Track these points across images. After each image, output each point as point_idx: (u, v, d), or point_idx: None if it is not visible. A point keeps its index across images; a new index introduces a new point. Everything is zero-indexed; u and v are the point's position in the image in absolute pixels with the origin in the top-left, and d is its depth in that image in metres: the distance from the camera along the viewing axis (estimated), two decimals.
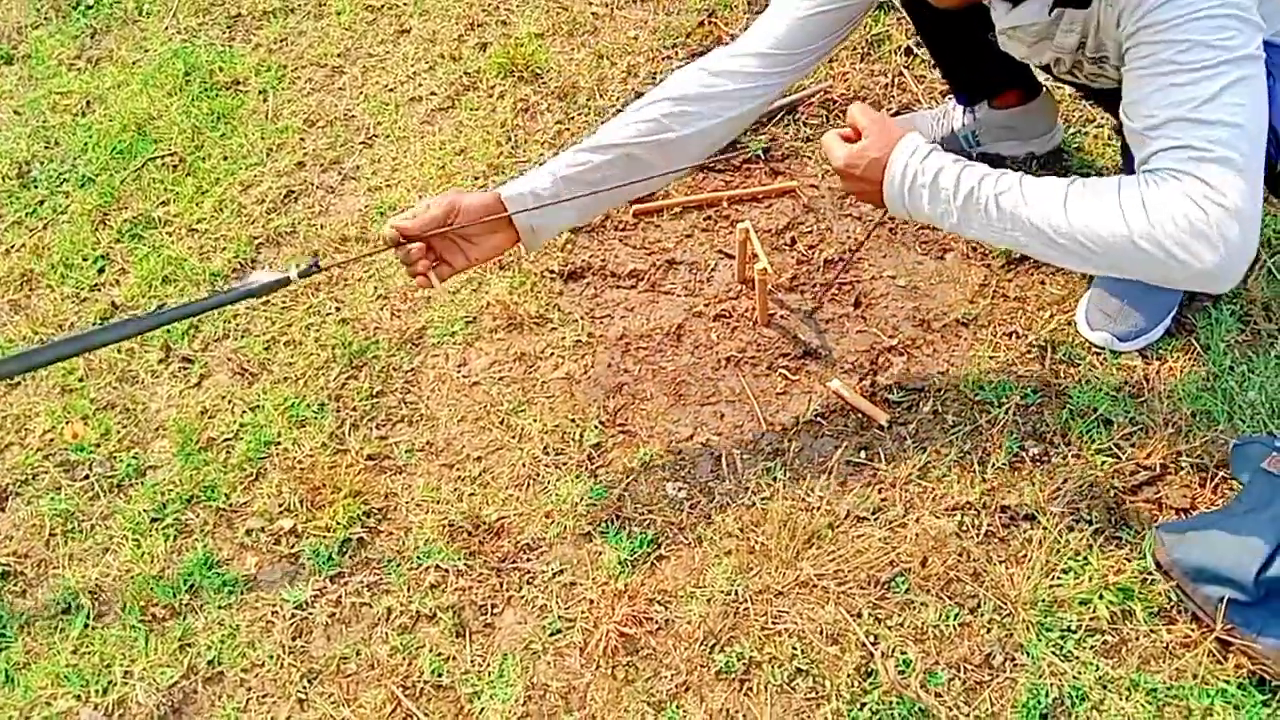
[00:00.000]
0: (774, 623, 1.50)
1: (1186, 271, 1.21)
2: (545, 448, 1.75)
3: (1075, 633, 1.45)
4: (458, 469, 1.74)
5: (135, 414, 1.88)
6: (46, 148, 2.44)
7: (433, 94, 2.42)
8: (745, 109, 1.57)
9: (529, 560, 1.62)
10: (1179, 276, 1.23)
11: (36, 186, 2.35)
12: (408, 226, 1.48)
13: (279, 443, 1.81)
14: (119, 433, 1.86)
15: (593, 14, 2.53)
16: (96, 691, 1.55)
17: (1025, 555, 1.53)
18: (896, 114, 2.21)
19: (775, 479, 1.66)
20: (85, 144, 2.41)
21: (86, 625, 1.63)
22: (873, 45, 2.35)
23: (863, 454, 1.68)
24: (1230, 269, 1.20)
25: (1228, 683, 1.38)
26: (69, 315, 2.07)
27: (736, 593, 1.53)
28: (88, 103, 2.54)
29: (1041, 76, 1.92)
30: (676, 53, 2.41)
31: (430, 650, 1.54)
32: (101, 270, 2.15)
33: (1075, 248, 1.26)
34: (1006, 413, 1.70)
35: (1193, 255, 1.19)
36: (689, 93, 1.54)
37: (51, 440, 1.86)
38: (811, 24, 1.55)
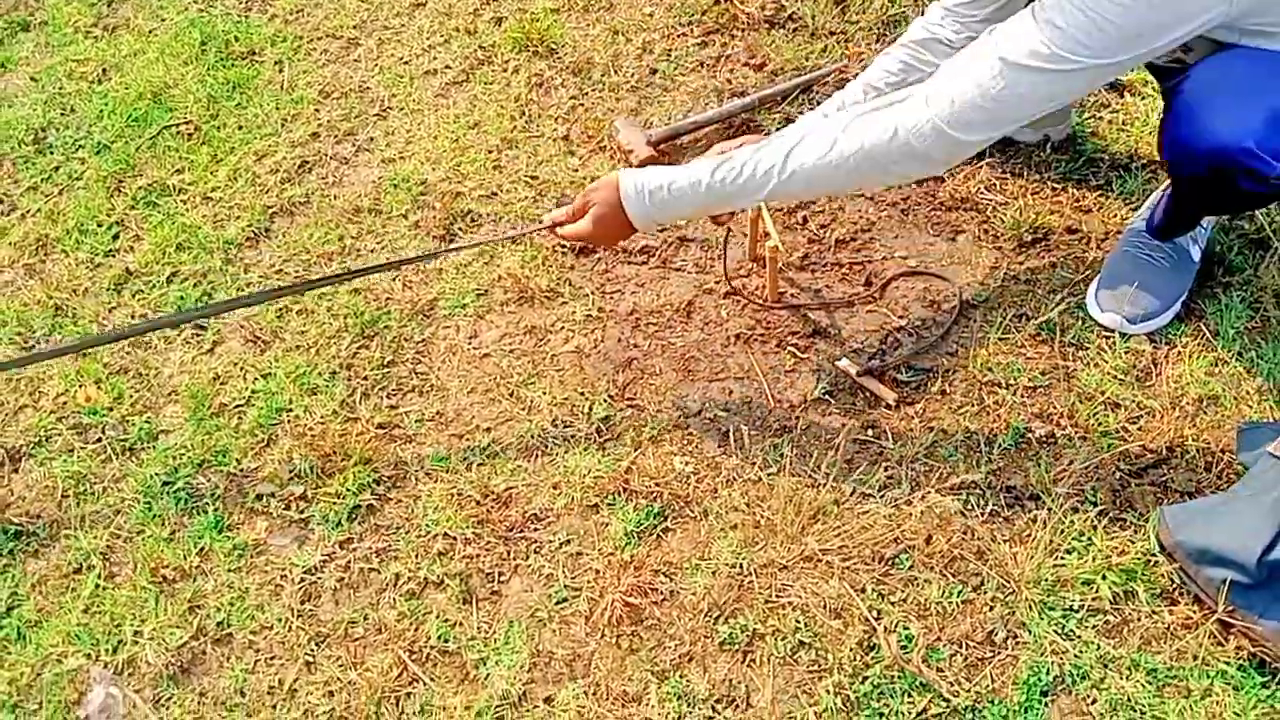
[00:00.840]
0: (778, 596, 1.51)
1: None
2: (554, 420, 1.76)
3: (1077, 612, 1.46)
4: (467, 439, 1.76)
5: (148, 379, 1.90)
6: (62, 114, 2.45)
7: (447, 67, 2.42)
8: None
9: (536, 530, 1.63)
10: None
11: (52, 153, 2.36)
12: None
13: (290, 410, 1.82)
14: (132, 397, 1.88)
15: None
16: (106, 650, 1.57)
17: (1029, 535, 1.54)
18: None
19: (782, 455, 1.67)
20: (101, 111, 2.42)
21: (97, 585, 1.65)
22: (889, 26, 2.35)
23: (870, 432, 1.69)
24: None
25: (1228, 664, 1.39)
26: (84, 281, 2.09)
27: (741, 566, 1.55)
28: (104, 70, 2.55)
29: None
30: (692, 30, 2.41)
31: (437, 616, 1.55)
32: (116, 237, 2.16)
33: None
34: (1014, 394, 1.70)
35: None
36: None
37: (64, 403, 1.88)
38: None
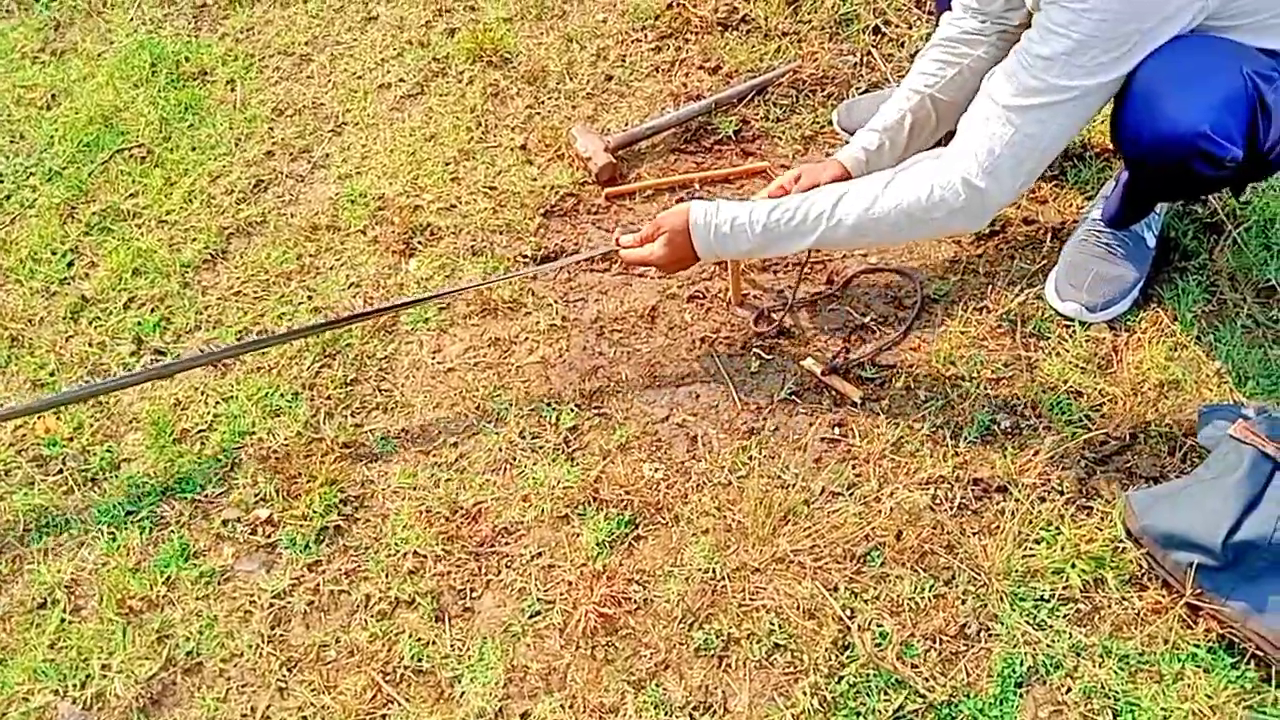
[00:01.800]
0: (752, 599, 1.51)
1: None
2: (521, 432, 1.75)
3: (1048, 602, 1.47)
4: (434, 455, 1.74)
5: (108, 407, 1.87)
6: (12, 141, 2.41)
7: (401, 80, 2.41)
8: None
9: (507, 544, 1.62)
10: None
11: (3, 181, 2.32)
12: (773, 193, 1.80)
13: (253, 433, 1.80)
14: (92, 426, 1.85)
15: None
16: (74, 685, 1.54)
17: (998, 527, 1.55)
18: (865, 92, 2.22)
19: (751, 457, 1.67)
20: (51, 137, 2.39)
21: (63, 620, 1.62)
22: (841, 24, 2.36)
23: (837, 430, 1.69)
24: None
25: (1198, 647, 1.40)
26: (39, 310, 2.06)
27: (714, 570, 1.54)
28: (53, 96, 2.51)
29: None
30: (645, 35, 2.41)
31: (410, 636, 1.54)
32: (70, 264, 2.13)
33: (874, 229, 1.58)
34: (978, 386, 1.71)
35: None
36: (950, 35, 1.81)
37: (24, 435, 1.85)
38: None
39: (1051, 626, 1.44)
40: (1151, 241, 1.81)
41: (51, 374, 1.93)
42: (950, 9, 1.82)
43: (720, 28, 2.41)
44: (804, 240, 1.61)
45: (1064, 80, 1.43)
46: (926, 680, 1.41)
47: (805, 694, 1.41)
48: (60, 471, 1.80)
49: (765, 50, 2.33)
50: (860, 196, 1.58)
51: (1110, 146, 1.99)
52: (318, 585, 1.61)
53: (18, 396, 1.91)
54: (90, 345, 1.97)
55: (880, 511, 1.58)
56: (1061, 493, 1.57)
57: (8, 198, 2.29)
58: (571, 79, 2.34)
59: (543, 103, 2.31)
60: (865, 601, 1.49)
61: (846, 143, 1.86)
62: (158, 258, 2.10)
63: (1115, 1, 1.38)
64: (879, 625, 1.47)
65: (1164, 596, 1.45)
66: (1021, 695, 1.39)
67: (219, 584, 1.63)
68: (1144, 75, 1.45)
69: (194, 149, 2.32)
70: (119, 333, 1.99)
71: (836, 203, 1.58)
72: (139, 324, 1.99)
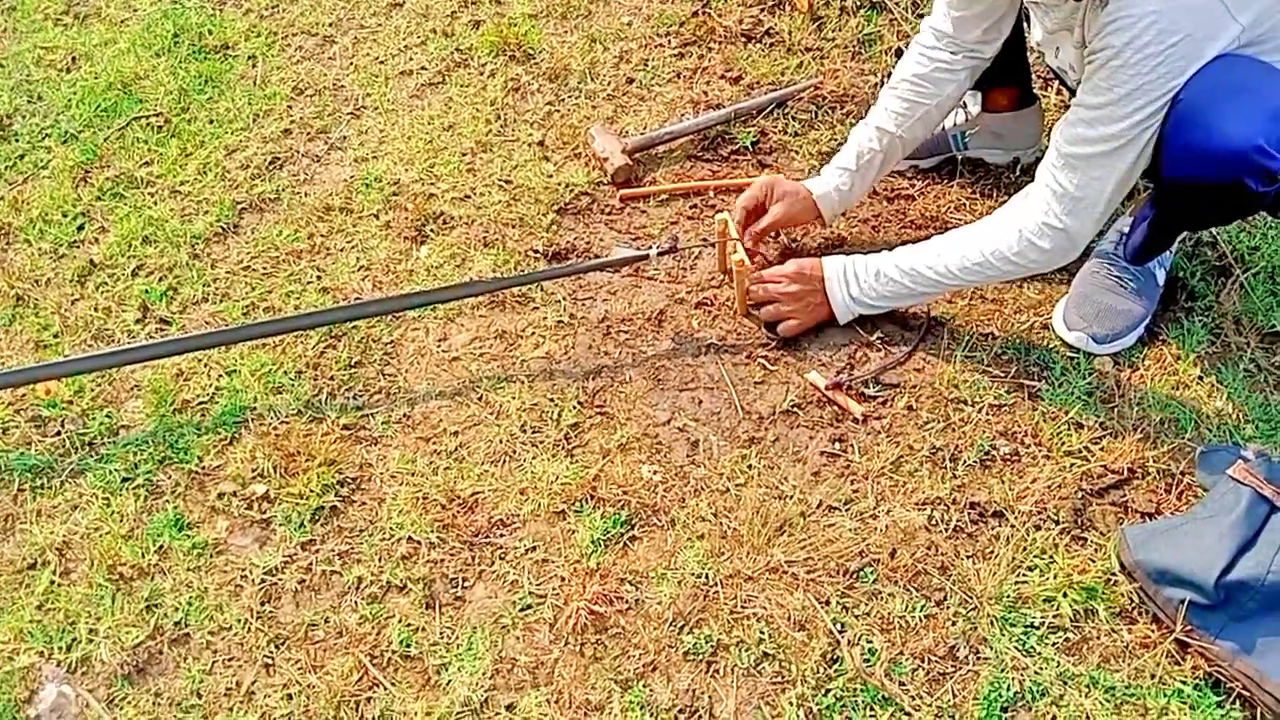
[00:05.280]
0: (743, 607, 1.51)
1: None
2: (523, 425, 1.75)
3: (1038, 629, 1.47)
4: (434, 443, 1.75)
5: (110, 373, 1.87)
6: (29, 102, 2.41)
7: (423, 68, 2.41)
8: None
9: (502, 536, 1.62)
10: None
11: (17, 140, 2.32)
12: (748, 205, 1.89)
13: (254, 408, 1.80)
14: (93, 390, 1.85)
15: None
16: (60, 649, 1.54)
17: (992, 551, 1.55)
18: None
19: (750, 466, 1.68)
20: (69, 100, 2.39)
21: (52, 582, 1.61)
22: (864, 44, 2.37)
23: (837, 445, 1.70)
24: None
25: (1184, 683, 1.41)
26: (46, 271, 2.05)
27: (707, 576, 1.55)
28: (73, 59, 2.51)
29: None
30: (669, 41, 2.42)
31: (399, 620, 1.54)
32: (81, 228, 2.13)
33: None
34: (979, 411, 1.72)
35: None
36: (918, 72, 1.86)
37: (23, 395, 1.84)
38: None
39: (1040, 654, 1.45)
40: (1161, 278, 1.82)
41: (55, 336, 1.93)
42: (918, 35, 1.87)
43: (744, 39, 2.41)
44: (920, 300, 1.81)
45: (1116, 127, 1.49)
46: (913, 699, 1.41)
47: (791, 704, 1.41)
48: (58, 434, 1.79)
49: (787, 64, 2.34)
50: (953, 250, 1.70)
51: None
52: (310, 564, 1.61)
53: (20, 356, 1.91)
54: (96, 310, 1.97)
55: (876, 528, 1.59)
56: (1057, 522, 1.57)
57: (22, 157, 2.28)
58: (593, 79, 2.34)
59: (563, 101, 2.31)
60: (856, 617, 1.50)
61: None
62: (169, 227, 2.10)
63: (1151, 60, 1.42)
64: (868, 641, 1.47)
65: (1153, 631, 1.46)
66: None
67: (211, 556, 1.63)
68: (1189, 96, 1.44)
69: (211, 122, 2.32)
70: (125, 299, 1.99)
71: (940, 252, 1.71)
72: (146, 292, 1.99)
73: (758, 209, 1.90)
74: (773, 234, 2.00)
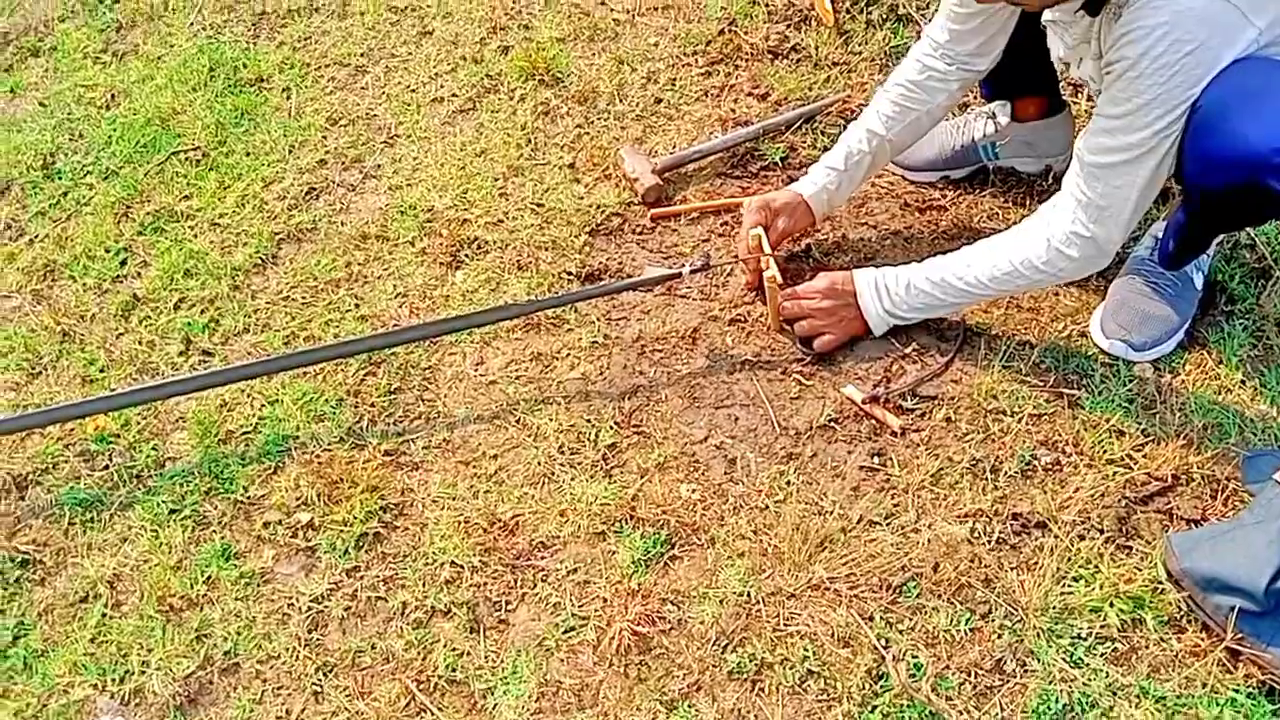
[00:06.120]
0: (786, 624, 1.51)
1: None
2: (561, 447, 1.76)
3: (1086, 640, 1.46)
4: (474, 466, 1.76)
5: (155, 405, 1.90)
6: (71, 140, 2.46)
7: (454, 95, 2.44)
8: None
9: (543, 558, 1.63)
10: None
11: (61, 178, 2.37)
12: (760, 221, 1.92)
13: (297, 437, 1.82)
14: (139, 424, 1.88)
15: (614, 20, 2.56)
16: (113, 680, 1.57)
17: (1036, 562, 1.54)
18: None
19: (789, 482, 1.68)
20: (109, 137, 2.44)
21: (104, 615, 1.64)
22: (891, 58, 2.37)
23: (876, 459, 1.69)
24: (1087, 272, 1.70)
25: (1237, 691, 1.39)
26: (90, 307, 2.09)
27: (749, 594, 1.55)
28: (112, 96, 2.56)
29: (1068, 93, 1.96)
30: (696, 60, 2.43)
31: (445, 645, 1.55)
32: (124, 262, 2.17)
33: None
34: (1019, 421, 1.71)
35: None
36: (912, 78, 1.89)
37: (72, 430, 1.88)
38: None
39: (1088, 665, 1.44)
40: (1199, 283, 1.80)
41: (101, 370, 1.97)
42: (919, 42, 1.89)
43: (770, 55, 2.42)
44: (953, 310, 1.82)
45: (1135, 136, 1.51)
46: (961, 714, 1.41)
47: None
48: (106, 467, 1.83)
49: (815, 80, 2.35)
50: (981, 257, 1.72)
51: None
52: (355, 591, 1.63)
53: (68, 391, 1.94)
54: (140, 344, 2.01)
55: (918, 542, 1.58)
56: (1101, 531, 1.56)
57: (65, 195, 2.33)
58: (621, 100, 2.36)
59: (592, 123, 2.33)
60: (900, 632, 1.49)
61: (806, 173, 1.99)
62: (209, 260, 2.14)
63: (1168, 69, 1.43)
64: (914, 656, 1.47)
65: (1203, 639, 1.44)
66: None
67: (258, 585, 1.65)
68: (1207, 102, 1.45)
69: (248, 154, 2.36)
70: (168, 332, 2.02)
71: (969, 263, 1.72)
72: (188, 324, 2.03)
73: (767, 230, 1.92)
74: (804, 250, 2.00)
